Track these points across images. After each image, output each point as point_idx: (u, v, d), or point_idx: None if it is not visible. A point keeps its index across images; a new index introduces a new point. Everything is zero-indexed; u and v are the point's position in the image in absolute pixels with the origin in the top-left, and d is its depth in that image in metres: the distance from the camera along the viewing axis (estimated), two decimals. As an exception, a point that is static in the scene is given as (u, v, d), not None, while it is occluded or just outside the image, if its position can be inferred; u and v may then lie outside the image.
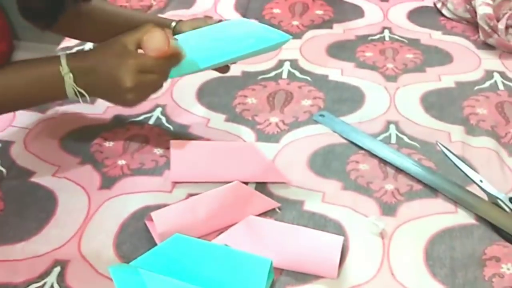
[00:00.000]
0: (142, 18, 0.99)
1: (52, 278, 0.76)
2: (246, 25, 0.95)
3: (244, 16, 1.40)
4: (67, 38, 1.30)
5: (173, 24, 0.96)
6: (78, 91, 0.77)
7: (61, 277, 0.76)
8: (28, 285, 0.75)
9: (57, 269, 0.77)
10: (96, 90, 0.78)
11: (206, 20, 0.97)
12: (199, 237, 0.78)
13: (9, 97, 0.79)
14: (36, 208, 0.86)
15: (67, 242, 0.81)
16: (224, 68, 0.95)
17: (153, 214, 0.79)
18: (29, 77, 0.78)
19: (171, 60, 0.79)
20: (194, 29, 0.94)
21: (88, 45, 1.26)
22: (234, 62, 0.94)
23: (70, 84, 0.76)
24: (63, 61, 0.77)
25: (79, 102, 0.79)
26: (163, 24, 0.95)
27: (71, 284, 0.75)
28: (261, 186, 0.90)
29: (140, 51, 0.78)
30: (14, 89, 0.78)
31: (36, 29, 0.83)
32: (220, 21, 0.98)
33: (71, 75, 0.76)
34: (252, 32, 0.92)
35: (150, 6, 1.46)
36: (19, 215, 0.85)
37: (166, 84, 1.14)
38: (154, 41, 0.75)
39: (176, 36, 0.88)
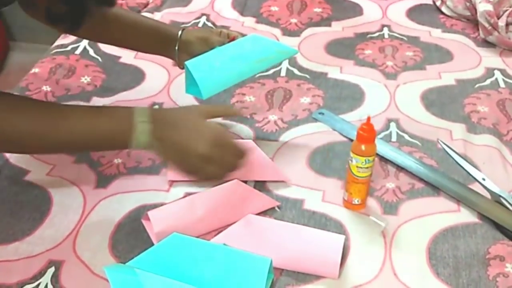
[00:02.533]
0: (154, 25, 1.01)
1: (46, 279, 0.74)
2: (256, 43, 0.96)
3: (241, 14, 1.39)
4: (62, 36, 1.29)
5: (179, 32, 0.98)
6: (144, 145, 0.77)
7: (55, 278, 0.74)
8: (22, 286, 0.73)
9: (52, 270, 0.75)
10: (165, 145, 0.78)
11: (211, 30, 0.99)
12: (197, 237, 0.77)
13: (67, 142, 0.77)
14: (30, 207, 0.85)
15: (61, 242, 0.79)
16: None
17: (150, 213, 0.78)
18: (99, 125, 0.76)
19: (244, 151, 0.82)
20: (199, 38, 0.96)
21: (83, 44, 1.24)
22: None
23: (139, 136, 0.76)
24: (140, 113, 0.77)
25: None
26: (170, 33, 0.98)
27: (65, 285, 0.73)
28: (260, 185, 0.88)
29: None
30: (77, 136, 0.76)
31: (30, 29, 0.83)
32: (221, 31, 1.00)
33: (146, 126, 0.76)
34: (263, 49, 0.95)
35: (146, 4, 1.44)
36: (12, 215, 0.83)
37: (163, 82, 1.14)
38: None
39: (192, 60, 0.91)
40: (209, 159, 0.78)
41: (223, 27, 1.33)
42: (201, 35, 0.97)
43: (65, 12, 0.77)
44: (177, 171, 0.82)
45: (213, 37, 0.97)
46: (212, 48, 0.96)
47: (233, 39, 0.97)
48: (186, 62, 0.89)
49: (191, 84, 0.90)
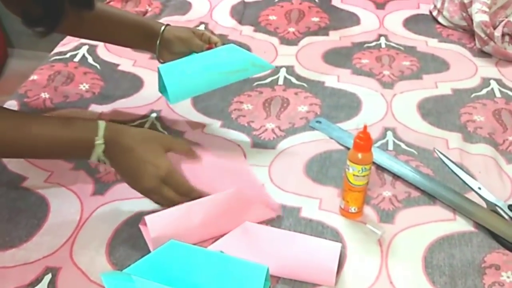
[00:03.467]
0: (137, 20, 1.03)
1: (43, 286, 0.74)
2: (232, 54, 0.97)
3: (239, 22, 1.40)
4: (60, 44, 1.30)
5: (162, 28, 0.99)
6: (103, 161, 0.81)
7: (52, 285, 0.74)
8: (19, 293, 0.73)
9: (48, 276, 0.75)
10: (116, 165, 0.82)
11: (194, 31, 1.00)
12: (194, 244, 0.77)
13: (33, 150, 0.80)
14: (27, 214, 0.85)
15: (58, 248, 0.79)
16: None
17: (147, 218, 0.78)
18: (62, 136, 0.79)
19: (191, 193, 0.82)
20: (179, 38, 0.97)
21: (81, 51, 1.25)
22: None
23: (98, 154, 0.79)
24: (101, 131, 0.79)
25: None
26: (153, 29, 0.99)
27: (62, 291, 0.73)
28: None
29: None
30: (43, 144, 0.79)
31: (30, 36, 0.83)
32: (203, 33, 1.00)
33: (103, 146, 0.79)
34: (238, 61, 0.96)
35: (145, 12, 1.45)
36: (9, 221, 0.83)
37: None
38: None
39: (166, 64, 0.94)
40: (155, 193, 0.81)
41: (221, 35, 1.34)
42: (182, 36, 0.98)
43: (41, 16, 0.78)
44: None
45: (193, 40, 0.98)
46: (191, 50, 0.97)
47: (210, 48, 0.98)
48: (159, 67, 0.92)
49: (163, 87, 0.92)
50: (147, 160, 0.79)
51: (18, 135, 0.78)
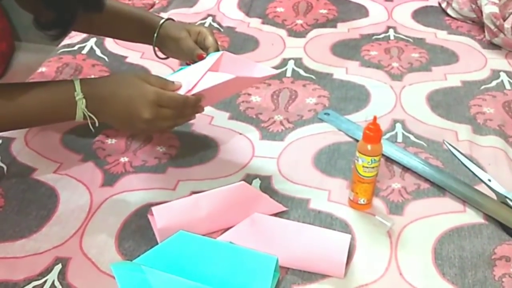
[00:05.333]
0: (136, 13, 1.00)
1: (53, 276, 0.74)
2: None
3: (247, 15, 1.39)
4: (68, 36, 1.29)
5: (161, 21, 0.95)
6: (88, 115, 0.80)
7: (62, 275, 0.74)
8: (29, 283, 0.73)
9: (58, 267, 0.75)
10: (107, 116, 0.81)
11: (190, 29, 0.92)
12: (201, 235, 0.76)
13: (21, 118, 0.81)
14: (37, 205, 0.85)
15: (68, 239, 0.80)
16: None
17: (154, 209, 0.78)
18: (43, 100, 0.80)
19: (187, 100, 0.80)
20: (172, 38, 0.91)
21: (89, 43, 1.25)
22: None
23: (82, 109, 0.79)
24: (77, 86, 0.79)
25: (87, 124, 0.80)
26: (153, 23, 0.95)
27: (72, 281, 0.73)
28: (266, 185, 0.88)
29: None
30: (27, 111, 0.80)
31: (36, 30, 0.84)
32: (199, 32, 0.91)
33: (84, 100, 0.79)
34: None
35: (153, 5, 1.45)
36: (19, 212, 0.84)
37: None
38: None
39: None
40: (157, 119, 0.79)
41: (229, 28, 1.34)
42: (176, 35, 0.92)
43: (54, 20, 0.79)
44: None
45: (185, 42, 0.91)
46: (182, 51, 0.91)
47: (201, 57, 0.88)
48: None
49: None
50: (133, 95, 0.78)
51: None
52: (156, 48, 0.97)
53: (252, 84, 1.03)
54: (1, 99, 0.78)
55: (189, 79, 0.82)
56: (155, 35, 0.95)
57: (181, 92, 0.81)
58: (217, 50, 0.89)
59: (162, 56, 0.98)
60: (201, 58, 0.88)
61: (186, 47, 0.91)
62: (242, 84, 0.93)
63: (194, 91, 0.81)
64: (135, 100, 0.78)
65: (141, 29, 0.97)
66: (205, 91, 0.81)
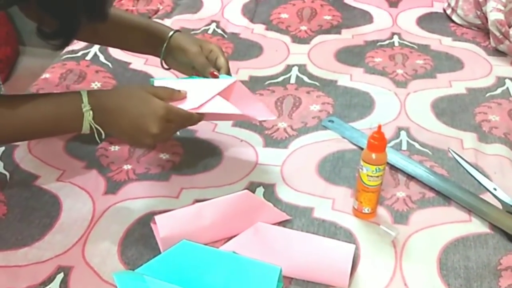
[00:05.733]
0: (144, 24, 0.99)
1: (55, 285, 0.74)
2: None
3: (251, 21, 1.39)
4: (72, 42, 1.29)
5: (171, 33, 0.94)
6: (95, 128, 0.80)
7: (64, 284, 0.74)
8: (31, 292, 0.73)
9: (61, 275, 0.75)
10: (113, 129, 0.81)
11: (201, 44, 0.92)
12: (204, 244, 0.76)
13: (27, 129, 0.81)
14: (39, 213, 0.85)
15: (71, 248, 0.79)
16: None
17: (157, 218, 0.77)
18: (49, 111, 0.80)
19: (191, 117, 0.82)
20: (184, 49, 0.90)
21: (93, 50, 1.25)
22: None
23: (89, 121, 0.79)
24: (85, 98, 0.79)
25: (93, 136, 0.80)
26: (162, 34, 0.94)
27: (74, 291, 0.73)
28: (270, 193, 0.88)
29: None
30: (33, 123, 0.80)
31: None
32: (211, 50, 0.90)
33: (91, 112, 0.79)
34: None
35: (157, 11, 1.45)
36: (22, 220, 0.83)
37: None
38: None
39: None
40: (163, 133, 0.80)
41: (233, 34, 1.33)
42: (188, 48, 0.91)
43: (57, 30, 0.79)
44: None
45: (197, 57, 0.90)
46: (193, 65, 0.90)
47: (214, 76, 0.88)
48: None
49: None
50: (143, 111, 0.79)
51: (4, 122, 0.77)
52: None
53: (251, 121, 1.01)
54: (7, 110, 0.78)
55: (197, 94, 0.83)
56: (164, 45, 0.94)
57: (187, 107, 0.81)
58: (228, 71, 0.90)
59: (166, 66, 0.98)
60: (214, 76, 0.88)
61: (198, 63, 0.91)
62: (242, 118, 0.94)
63: (200, 111, 0.82)
64: (145, 116, 0.78)
65: (147, 39, 0.96)
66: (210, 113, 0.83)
